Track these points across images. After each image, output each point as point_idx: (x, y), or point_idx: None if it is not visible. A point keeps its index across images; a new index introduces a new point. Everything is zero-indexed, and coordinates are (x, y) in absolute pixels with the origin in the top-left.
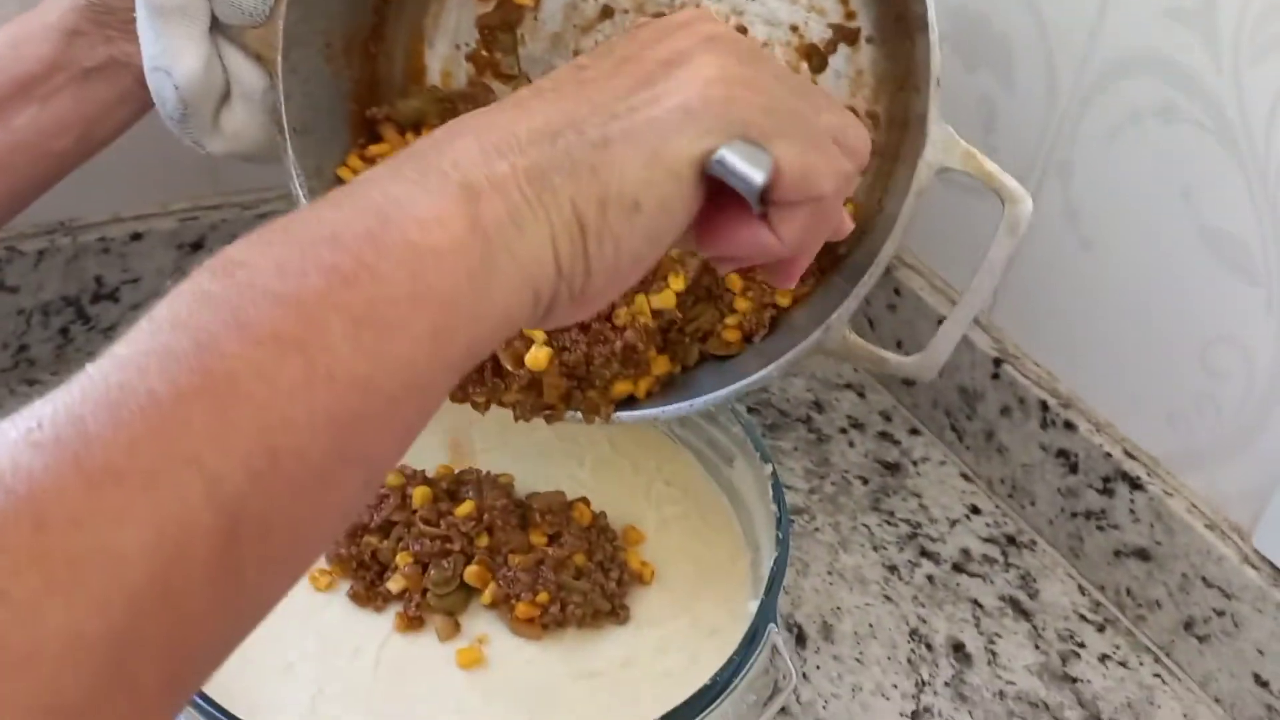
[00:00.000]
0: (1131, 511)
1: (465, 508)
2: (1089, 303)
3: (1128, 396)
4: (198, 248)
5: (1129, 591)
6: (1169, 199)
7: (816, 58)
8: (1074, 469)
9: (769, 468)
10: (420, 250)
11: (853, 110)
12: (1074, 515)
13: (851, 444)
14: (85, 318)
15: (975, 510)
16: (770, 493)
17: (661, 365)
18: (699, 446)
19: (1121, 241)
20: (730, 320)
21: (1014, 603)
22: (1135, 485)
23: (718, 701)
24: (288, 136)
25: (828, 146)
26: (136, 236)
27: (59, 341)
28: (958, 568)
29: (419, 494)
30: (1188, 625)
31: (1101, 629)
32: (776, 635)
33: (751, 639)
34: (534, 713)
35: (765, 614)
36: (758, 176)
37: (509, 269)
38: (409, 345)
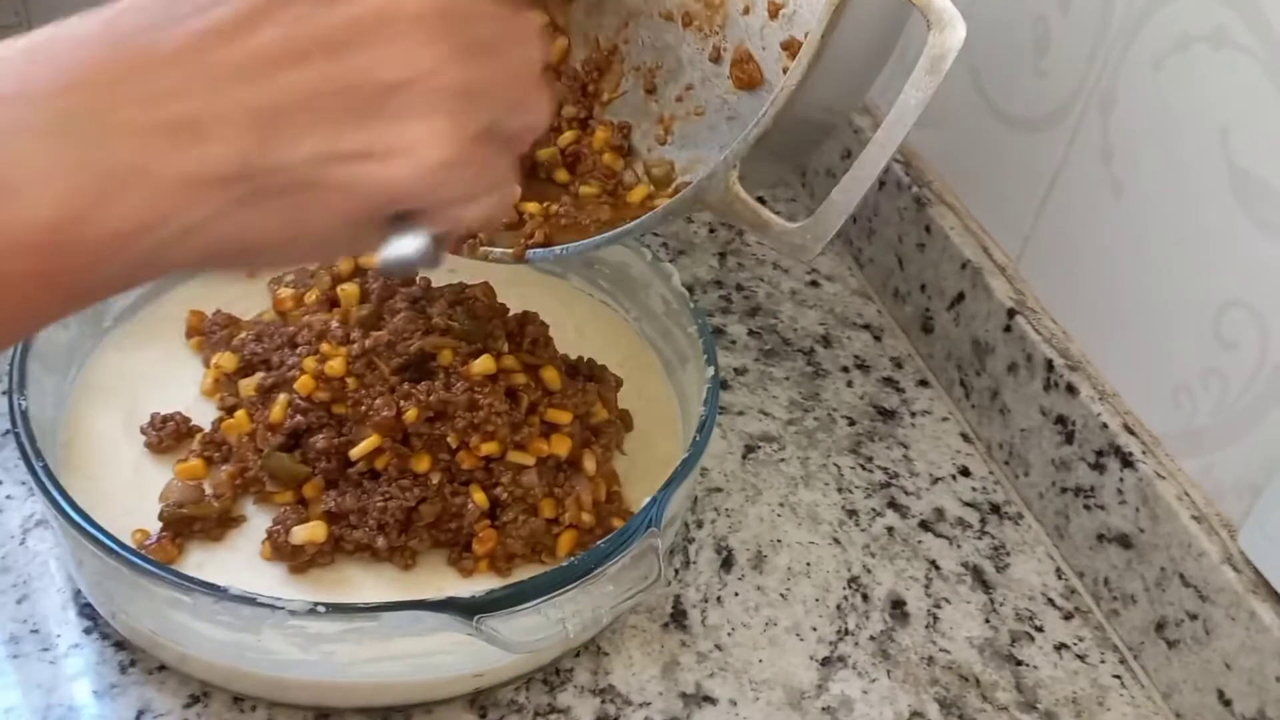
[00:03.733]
0: (1119, 492)
1: (484, 364)
2: (1113, 255)
3: (1136, 363)
4: None
5: (1106, 582)
6: (1205, 137)
7: None
8: (1069, 438)
9: (710, 370)
10: None
11: None
12: (1064, 490)
13: (850, 384)
14: None
15: (965, 472)
16: (705, 395)
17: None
18: (661, 346)
19: (1151, 185)
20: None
21: (976, 572)
22: (1127, 463)
23: (577, 583)
24: None
25: (499, 181)
26: None
27: None
28: (925, 525)
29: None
30: (1159, 626)
31: (1069, 617)
32: (655, 538)
33: (627, 535)
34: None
35: (646, 512)
36: (417, 260)
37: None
38: None
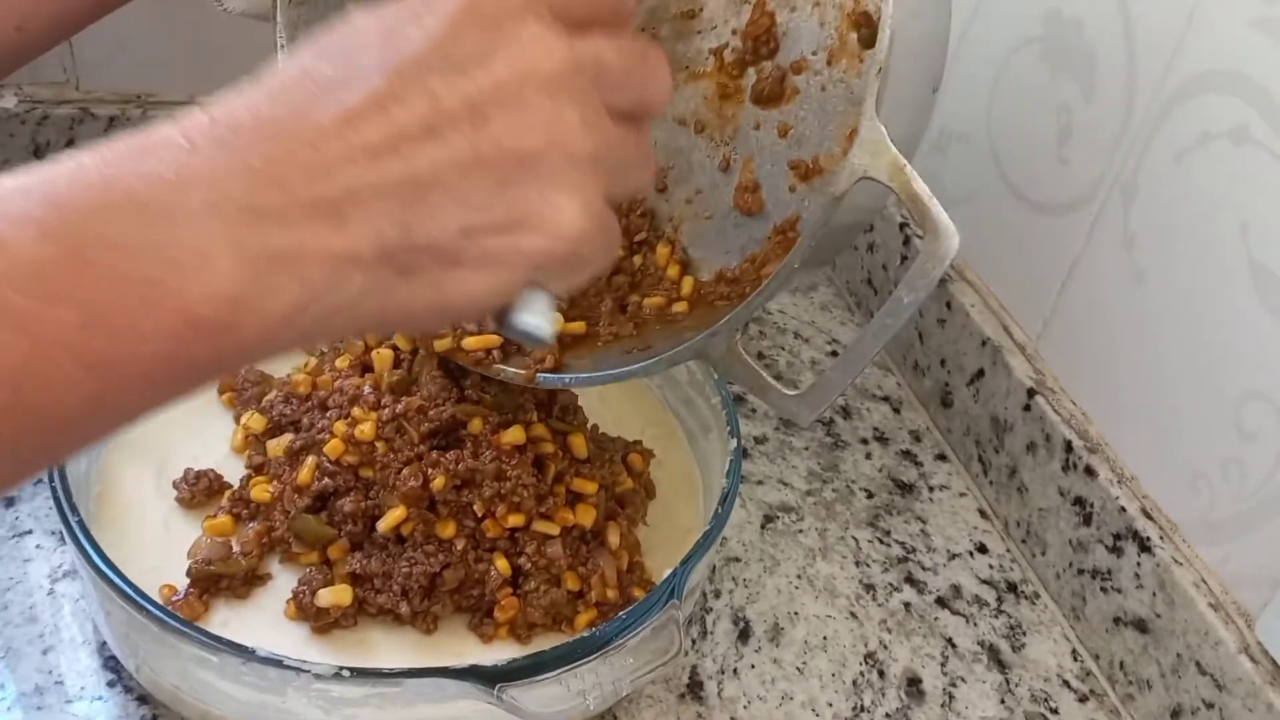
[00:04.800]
0: (1136, 576)
1: (514, 434)
2: (1133, 341)
3: (1155, 449)
4: None
5: (1122, 665)
6: (1226, 232)
7: (867, 30)
8: (1087, 520)
9: (734, 442)
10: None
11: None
12: (1080, 571)
13: (869, 456)
14: None
15: (982, 549)
16: (727, 466)
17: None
18: (684, 415)
19: (1173, 275)
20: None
21: (993, 651)
22: (1145, 548)
23: (597, 654)
24: None
25: (616, 242)
26: None
27: None
28: (942, 602)
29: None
30: (1175, 713)
31: (1084, 700)
32: (676, 610)
33: (648, 607)
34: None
35: (667, 585)
36: (547, 334)
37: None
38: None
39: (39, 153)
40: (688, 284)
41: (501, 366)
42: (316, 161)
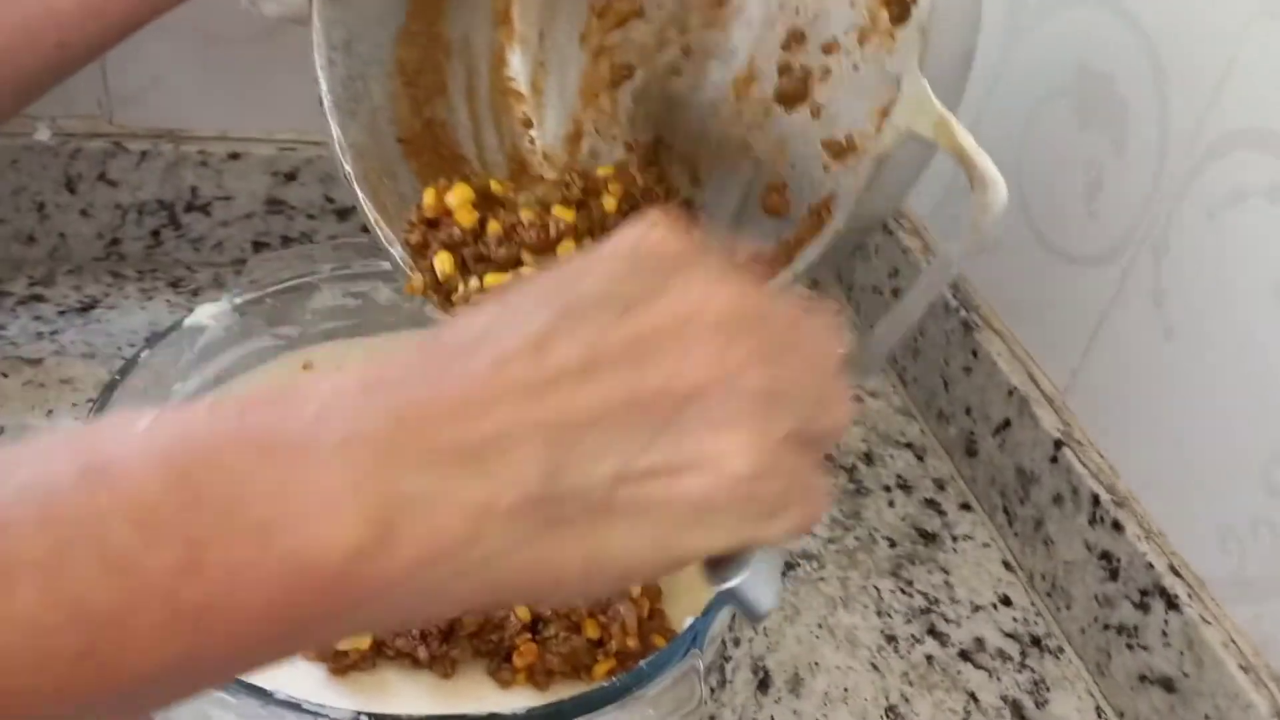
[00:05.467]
0: (1164, 634)
1: None
2: (1162, 396)
3: (1183, 505)
4: (290, 178)
5: None
6: (1258, 291)
7: (897, 5)
8: (1114, 575)
9: None
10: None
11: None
12: (1106, 627)
13: (892, 504)
14: (177, 224)
15: (1006, 601)
16: None
17: None
18: None
19: (1203, 332)
20: None
21: (1016, 707)
22: (1172, 605)
23: (616, 703)
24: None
25: (809, 488)
26: (235, 156)
27: (149, 242)
28: (965, 655)
29: None
30: None
31: None
32: (698, 660)
33: (668, 657)
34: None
35: (689, 634)
36: (765, 607)
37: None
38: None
39: (71, 185)
40: None
41: None
42: (463, 402)
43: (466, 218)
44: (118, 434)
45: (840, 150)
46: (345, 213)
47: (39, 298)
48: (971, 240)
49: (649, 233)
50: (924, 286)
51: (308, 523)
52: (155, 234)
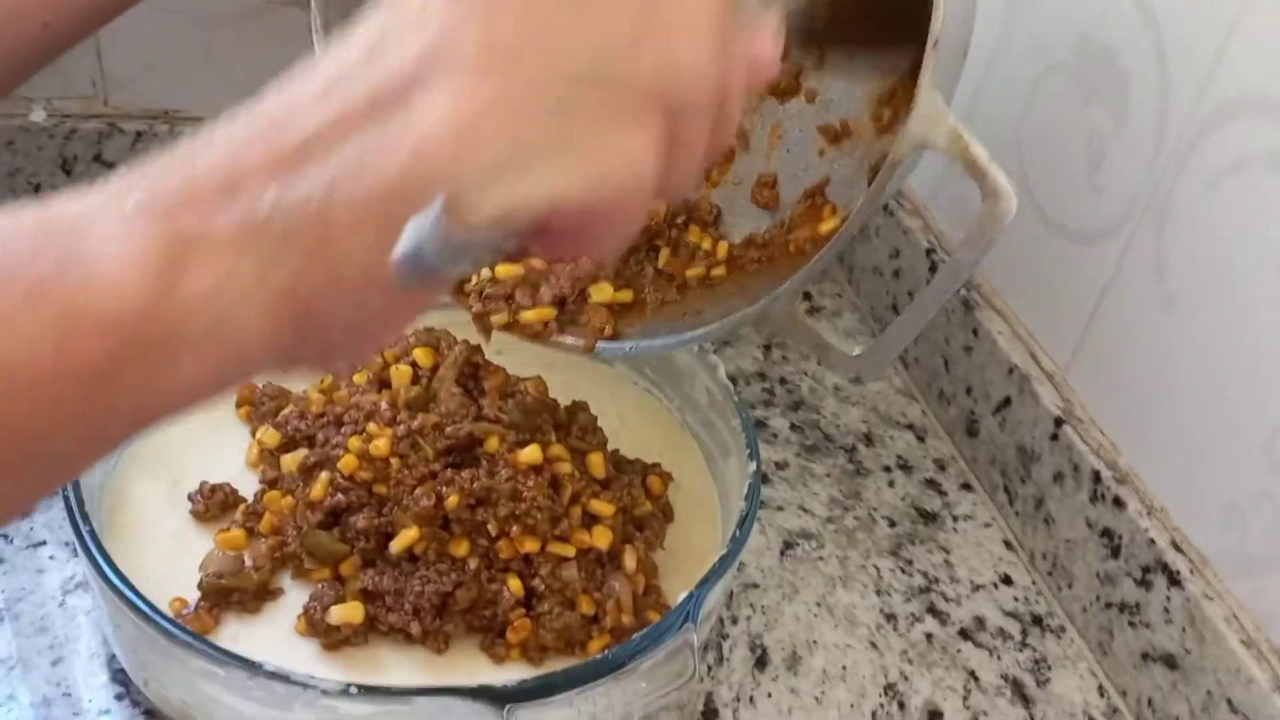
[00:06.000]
0: (1165, 610)
1: (531, 453)
2: (1163, 370)
3: (1185, 481)
4: None
5: (1150, 702)
6: (1259, 258)
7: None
8: (1115, 553)
9: (753, 465)
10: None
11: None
12: (1108, 605)
13: (892, 484)
14: None
15: (1007, 580)
16: (746, 489)
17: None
18: (703, 438)
19: (1204, 303)
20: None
21: (1016, 685)
22: (1174, 581)
23: (609, 677)
24: None
25: (630, 128)
26: None
27: None
28: (965, 634)
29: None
30: None
31: None
32: (691, 634)
33: (662, 630)
34: None
35: (683, 608)
36: (430, 246)
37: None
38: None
39: (66, 166)
40: (723, 248)
41: (559, 338)
42: (220, 153)
43: None
44: None
45: (835, 135)
46: None
47: None
48: (981, 247)
49: None
50: (935, 292)
51: (100, 266)
52: None
